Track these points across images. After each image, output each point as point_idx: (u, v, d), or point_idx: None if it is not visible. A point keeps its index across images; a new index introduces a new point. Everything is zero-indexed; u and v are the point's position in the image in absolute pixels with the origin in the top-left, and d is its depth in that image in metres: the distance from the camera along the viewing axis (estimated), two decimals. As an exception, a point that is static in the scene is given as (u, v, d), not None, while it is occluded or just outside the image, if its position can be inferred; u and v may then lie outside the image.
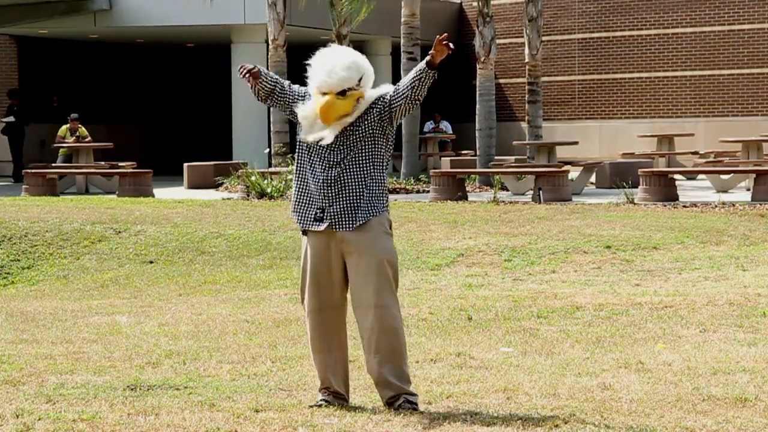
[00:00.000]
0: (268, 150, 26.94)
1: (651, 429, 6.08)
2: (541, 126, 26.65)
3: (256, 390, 7.11)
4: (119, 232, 17.00)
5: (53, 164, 26.67)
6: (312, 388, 7.14)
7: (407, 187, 24.22)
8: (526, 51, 26.52)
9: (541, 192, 19.92)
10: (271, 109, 25.95)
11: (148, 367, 8.10)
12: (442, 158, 28.83)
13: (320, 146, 6.46)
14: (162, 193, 23.36)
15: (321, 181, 6.42)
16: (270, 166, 25.80)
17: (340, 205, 6.40)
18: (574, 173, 22.90)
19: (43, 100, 34.52)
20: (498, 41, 30.54)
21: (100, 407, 6.61)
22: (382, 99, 6.51)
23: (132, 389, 7.13)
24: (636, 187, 20.41)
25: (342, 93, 6.41)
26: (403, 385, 6.48)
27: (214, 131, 39.32)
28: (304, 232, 6.54)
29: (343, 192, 6.41)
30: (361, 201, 6.42)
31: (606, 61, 34.61)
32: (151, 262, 15.53)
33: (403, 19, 26.27)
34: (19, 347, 9.00)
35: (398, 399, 6.46)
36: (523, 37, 27.96)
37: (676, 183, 20.26)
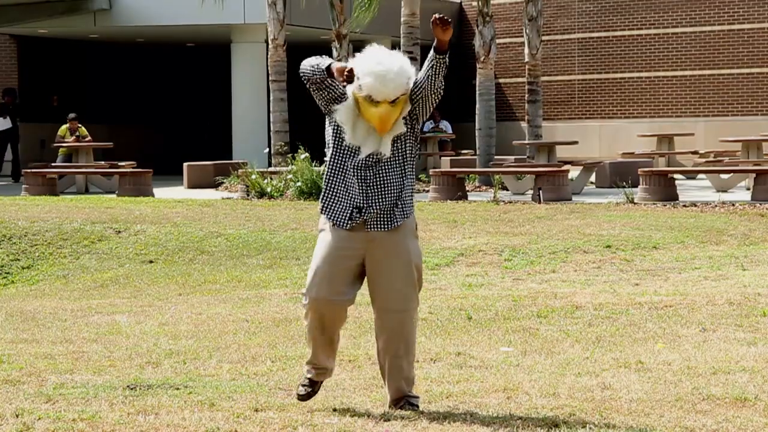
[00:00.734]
0: (267, 150, 26.95)
1: (651, 429, 6.08)
2: (541, 126, 26.65)
3: (256, 390, 7.11)
4: (119, 231, 17.00)
5: (53, 164, 26.67)
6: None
7: (407, 186, 24.20)
8: (526, 51, 26.52)
9: (541, 192, 19.92)
10: (271, 109, 25.96)
11: (148, 366, 8.10)
12: (442, 158, 28.82)
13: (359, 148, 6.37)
14: (162, 192, 23.36)
15: (359, 180, 6.34)
16: (270, 165, 25.80)
17: (379, 205, 6.33)
18: (574, 173, 22.91)
19: (43, 100, 34.52)
20: (498, 41, 30.55)
21: (100, 407, 6.61)
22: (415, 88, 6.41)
23: (132, 389, 7.13)
24: (636, 186, 20.41)
25: (394, 100, 6.29)
26: (410, 388, 6.54)
27: (214, 131, 39.32)
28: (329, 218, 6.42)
29: (384, 192, 6.34)
30: (398, 201, 6.37)
31: (606, 61, 34.62)
32: (151, 262, 15.53)
33: (403, 19, 26.26)
34: (19, 347, 9.00)
35: (401, 401, 6.50)
36: (522, 36, 27.96)
37: (676, 183, 20.26)
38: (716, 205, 18.20)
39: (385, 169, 6.37)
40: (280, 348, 8.74)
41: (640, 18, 33.98)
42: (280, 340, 9.15)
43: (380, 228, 6.35)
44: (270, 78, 25.86)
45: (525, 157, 27.01)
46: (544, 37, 29.17)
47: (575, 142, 26.69)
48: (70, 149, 27.12)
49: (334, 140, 6.44)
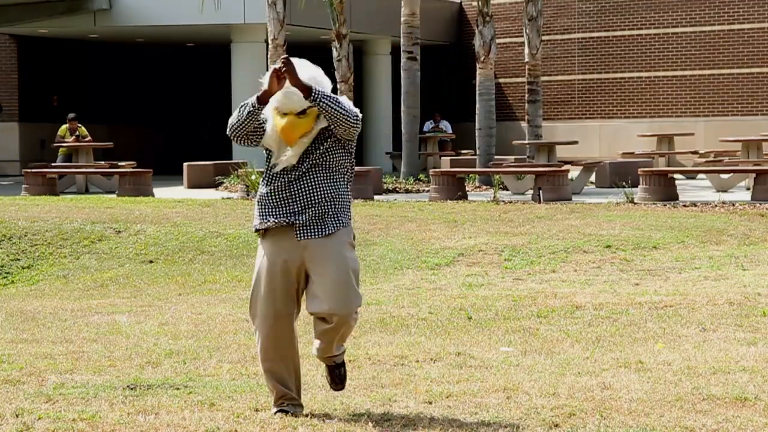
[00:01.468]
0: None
1: (651, 428, 6.08)
2: (541, 125, 26.65)
3: (256, 390, 7.11)
4: (119, 231, 17.00)
5: (53, 164, 26.68)
6: (311, 387, 7.15)
7: (407, 186, 24.23)
8: (526, 50, 26.52)
9: (540, 191, 19.92)
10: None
11: (148, 366, 8.10)
12: (442, 158, 28.83)
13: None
14: (162, 192, 23.36)
15: (287, 190, 6.29)
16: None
17: (307, 214, 6.27)
18: (574, 173, 22.91)
19: (43, 100, 34.53)
20: (498, 41, 30.55)
21: (100, 407, 6.61)
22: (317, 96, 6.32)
23: (132, 389, 7.13)
24: (636, 186, 20.41)
25: (302, 112, 6.24)
26: (338, 353, 6.56)
27: (214, 131, 39.33)
28: (263, 236, 6.37)
29: (311, 201, 6.28)
30: (329, 211, 6.28)
31: (606, 61, 34.62)
32: (151, 262, 15.53)
33: (403, 19, 26.28)
34: (19, 347, 9.00)
35: (331, 367, 6.59)
36: (522, 36, 27.97)
37: (676, 182, 20.26)
38: (716, 205, 18.21)
39: (312, 179, 6.29)
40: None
41: (640, 18, 33.98)
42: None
43: (311, 236, 6.26)
44: (270, 78, 25.82)
45: (525, 157, 27.01)
46: (544, 37, 29.18)
47: (575, 142, 26.70)
48: (70, 149, 27.12)
49: (266, 159, 6.45)
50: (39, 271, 15.63)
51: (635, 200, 19.09)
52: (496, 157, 25.53)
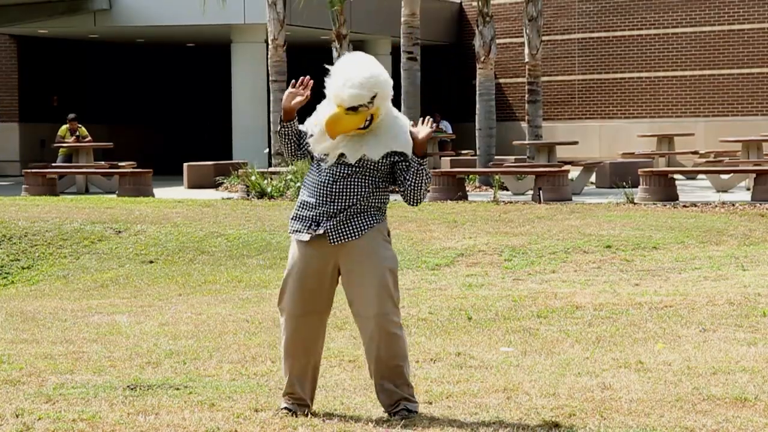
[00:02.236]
0: (267, 150, 26.95)
1: (651, 429, 6.08)
2: (541, 126, 26.66)
3: (256, 390, 7.11)
4: (119, 232, 17.00)
5: (53, 164, 26.68)
6: (312, 387, 7.14)
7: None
8: (526, 51, 26.52)
9: (541, 192, 19.93)
10: (271, 109, 25.97)
11: (148, 366, 8.10)
12: (442, 158, 28.83)
13: (325, 160, 6.29)
14: (162, 192, 23.36)
15: (323, 194, 6.25)
16: (270, 165, 25.81)
17: (337, 219, 6.23)
18: (574, 173, 22.91)
19: (43, 100, 34.53)
20: (498, 41, 30.55)
21: (100, 407, 6.61)
22: (399, 158, 6.29)
23: (132, 389, 7.13)
24: (636, 186, 20.41)
25: (353, 108, 6.13)
26: (402, 392, 6.31)
27: (214, 131, 39.33)
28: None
29: (344, 209, 6.23)
30: (360, 218, 6.25)
31: (606, 61, 34.62)
32: (151, 262, 15.53)
33: (403, 19, 26.27)
34: (19, 347, 9.00)
35: (398, 405, 6.31)
36: (523, 36, 27.97)
37: (676, 183, 20.26)
38: (716, 205, 18.21)
39: (351, 185, 6.24)
40: (280, 348, 8.73)
41: (640, 18, 33.98)
42: (280, 341, 9.14)
43: (343, 239, 6.23)
44: (270, 78, 25.87)
45: (525, 157, 27.02)
46: (544, 37, 29.18)
47: (575, 142, 26.70)
48: (70, 149, 27.13)
49: (311, 157, 6.44)
50: (39, 272, 15.63)
51: (635, 200, 19.09)
52: (496, 157, 25.53)
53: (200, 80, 40.44)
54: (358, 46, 32.83)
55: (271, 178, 21.87)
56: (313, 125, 6.36)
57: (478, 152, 25.29)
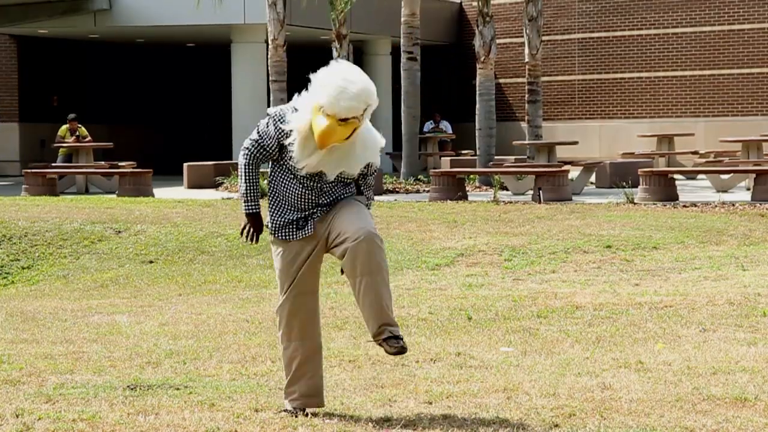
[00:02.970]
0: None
1: (651, 429, 6.08)
2: (541, 126, 26.66)
3: (256, 390, 7.11)
4: (119, 232, 17.00)
5: (53, 164, 26.68)
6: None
7: (407, 186, 24.23)
8: (526, 51, 26.52)
9: (541, 192, 19.93)
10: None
11: (148, 366, 8.10)
12: (442, 158, 28.84)
13: (314, 175, 6.31)
14: (162, 193, 23.36)
15: (305, 203, 6.33)
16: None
17: (323, 211, 6.37)
18: (574, 173, 22.91)
19: (43, 100, 34.53)
20: (498, 41, 30.56)
21: (100, 407, 6.61)
22: (370, 169, 6.43)
23: (132, 389, 7.13)
24: (636, 186, 20.41)
25: (344, 119, 6.15)
26: (388, 318, 6.26)
27: (214, 131, 39.33)
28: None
29: (330, 201, 6.39)
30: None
31: (606, 61, 34.61)
32: (151, 262, 15.53)
33: (403, 19, 26.28)
34: (19, 347, 9.00)
35: (381, 329, 6.25)
36: (523, 37, 27.97)
37: (676, 183, 20.27)
38: (716, 205, 18.21)
39: (335, 190, 6.36)
40: (280, 348, 8.73)
41: (640, 18, 33.98)
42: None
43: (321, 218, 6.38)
44: (270, 78, 25.88)
45: (525, 157, 27.02)
46: (544, 37, 29.19)
47: (575, 142, 26.70)
48: (70, 149, 27.13)
49: (279, 163, 6.39)
50: (39, 271, 15.63)
51: (635, 200, 19.09)
52: (496, 157, 25.54)
53: (200, 80, 40.44)
54: (358, 46, 32.84)
55: (271, 178, 21.87)
56: (297, 134, 6.30)
57: (478, 152, 25.30)
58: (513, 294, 11.59)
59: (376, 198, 20.98)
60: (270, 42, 25.66)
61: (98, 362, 8.27)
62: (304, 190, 6.34)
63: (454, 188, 20.75)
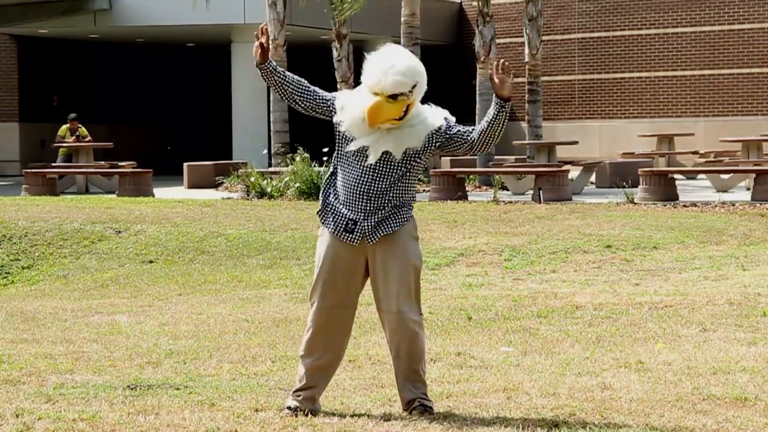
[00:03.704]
0: (265, 151, 26.96)
1: (651, 429, 6.08)
2: (541, 126, 26.66)
3: (256, 390, 7.10)
4: (119, 231, 17.00)
5: (53, 164, 26.68)
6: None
7: (407, 186, 24.21)
8: (526, 51, 26.52)
9: (541, 192, 19.92)
10: (271, 109, 25.98)
11: (148, 366, 8.10)
12: (442, 158, 28.82)
13: (365, 156, 6.27)
14: (162, 192, 23.36)
15: (361, 192, 6.28)
16: (270, 166, 25.81)
17: (375, 218, 6.29)
18: (574, 173, 22.91)
19: (43, 100, 34.53)
20: (498, 41, 30.55)
21: (100, 407, 6.61)
22: (441, 132, 6.33)
23: (132, 389, 7.12)
24: (636, 186, 20.41)
25: (393, 96, 6.17)
26: (417, 391, 6.38)
27: (214, 131, 39.32)
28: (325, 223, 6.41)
29: (383, 206, 6.29)
30: (396, 214, 6.33)
31: (606, 61, 34.61)
32: (151, 262, 15.53)
33: (403, 19, 26.26)
34: (19, 347, 9.00)
35: (412, 403, 6.37)
36: (523, 36, 27.97)
37: (676, 183, 20.27)
38: (716, 205, 18.21)
39: (390, 185, 6.30)
40: (280, 348, 8.74)
41: (640, 18, 33.98)
42: (280, 340, 9.15)
43: (375, 239, 6.30)
44: (270, 78, 25.84)
45: (525, 157, 27.01)
46: (544, 37, 29.18)
47: (575, 142, 26.70)
48: (70, 149, 27.13)
49: (338, 147, 6.39)
50: (39, 271, 15.63)
51: (635, 200, 19.09)
52: (496, 157, 25.54)
53: (200, 80, 40.43)
54: (358, 46, 32.85)
55: (271, 178, 21.88)
56: (343, 108, 6.32)
57: (478, 152, 25.28)
58: (513, 294, 11.59)
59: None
60: (270, 42, 25.67)
61: (98, 362, 8.27)
62: (356, 174, 6.27)
63: (454, 188, 20.75)
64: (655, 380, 7.29)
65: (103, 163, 27.65)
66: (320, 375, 6.45)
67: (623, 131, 33.82)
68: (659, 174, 20.07)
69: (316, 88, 6.52)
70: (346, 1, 24.81)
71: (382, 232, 6.31)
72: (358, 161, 6.31)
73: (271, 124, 26.34)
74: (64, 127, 27.54)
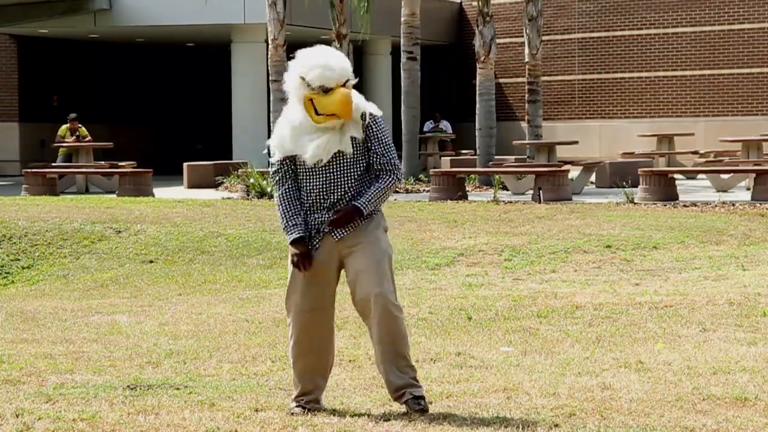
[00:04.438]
0: (265, 151, 26.94)
1: (651, 429, 6.08)
2: (541, 126, 26.66)
3: (256, 390, 7.11)
4: (119, 231, 17.00)
5: (53, 164, 26.68)
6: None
7: (407, 186, 24.22)
8: (526, 51, 26.52)
9: (541, 192, 19.92)
10: (271, 109, 25.97)
11: (148, 366, 8.10)
12: (442, 158, 28.84)
13: (320, 161, 6.31)
14: (162, 192, 23.36)
15: (317, 193, 6.33)
16: (269, 165, 25.79)
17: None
18: (574, 173, 22.91)
19: (43, 100, 34.53)
20: (498, 41, 30.55)
21: (100, 407, 6.61)
22: (367, 119, 6.38)
23: (132, 389, 7.13)
24: (636, 186, 20.41)
25: (345, 84, 6.24)
26: (406, 375, 6.37)
27: (214, 131, 39.32)
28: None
29: (342, 202, 6.33)
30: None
31: (606, 61, 34.61)
32: (151, 262, 15.53)
33: (403, 19, 26.27)
34: (19, 347, 9.00)
35: (402, 395, 6.36)
36: (523, 36, 27.96)
37: (676, 182, 20.26)
38: (716, 205, 18.21)
39: (343, 179, 6.32)
40: (280, 348, 8.74)
41: (640, 18, 33.98)
42: (280, 340, 9.15)
43: (342, 235, 6.32)
44: (270, 78, 25.87)
45: (525, 157, 27.01)
46: (544, 37, 29.18)
47: (575, 142, 26.70)
48: (70, 149, 27.13)
49: (281, 162, 6.46)
50: (39, 271, 15.63)
51: (635, 200, 19.09)
52: (496, 157, 25.53)
53: (200, 80, 40.43)
54: (358, 46, 32.84)
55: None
56: (292, 128, 6.39)
57: (478, 152, 25.29)
58: (513, 294, 11.59)
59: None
60: (270, 42, 25.65)
61: (98, 362, 8.27)
62: (310, 181, 6.33)
63: (454, 188, 20.75)
64: (655, 380, 7.29)
65: (103, 163, 27.65)
66: (316, 377, 6.46)
67: (623, 131, 33.82)
68: (659, 174, 20.07)
69: (290, 184, 6.48)
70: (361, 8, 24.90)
71: (348, 228, 6.32)
72: (315, 169, 6.35)
73: (271, 124, 26.33)
74: (64, 127, 27.54)
